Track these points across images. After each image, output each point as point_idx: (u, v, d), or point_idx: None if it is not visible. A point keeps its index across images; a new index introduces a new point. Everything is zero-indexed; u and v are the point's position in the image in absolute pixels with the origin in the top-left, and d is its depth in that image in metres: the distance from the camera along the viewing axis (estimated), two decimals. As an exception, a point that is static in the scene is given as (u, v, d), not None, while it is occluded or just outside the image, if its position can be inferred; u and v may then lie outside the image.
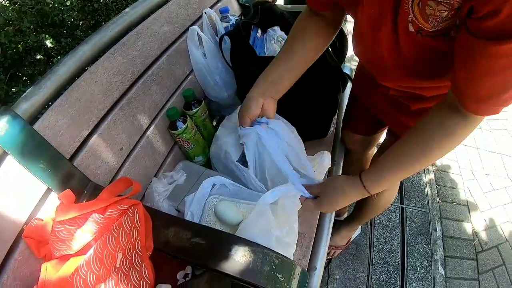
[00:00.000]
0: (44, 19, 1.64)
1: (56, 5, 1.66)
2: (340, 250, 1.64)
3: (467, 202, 2.11)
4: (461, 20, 0.54)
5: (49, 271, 0.56)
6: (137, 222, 0.57)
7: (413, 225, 1.88)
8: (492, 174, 2.36)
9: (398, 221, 1.87)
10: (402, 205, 1.95)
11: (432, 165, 2.27)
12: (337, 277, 1.59)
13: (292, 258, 0.75)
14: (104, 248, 0.55)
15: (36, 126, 0.66)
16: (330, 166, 0.94)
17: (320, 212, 1.00)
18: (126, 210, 0.58)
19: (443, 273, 1.74)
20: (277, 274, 0.57)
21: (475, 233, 1.96)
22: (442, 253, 1.82)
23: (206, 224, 0.74)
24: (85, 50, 0.77)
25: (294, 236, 0.72)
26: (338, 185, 0.77)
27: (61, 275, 0.54)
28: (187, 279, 0.66)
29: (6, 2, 2.90)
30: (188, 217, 0.75)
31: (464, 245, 1.89)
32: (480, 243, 1.93)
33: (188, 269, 0.66)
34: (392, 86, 0.87)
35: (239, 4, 1.37)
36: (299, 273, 0.64)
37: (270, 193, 0.64)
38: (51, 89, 0.70)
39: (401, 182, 2.06)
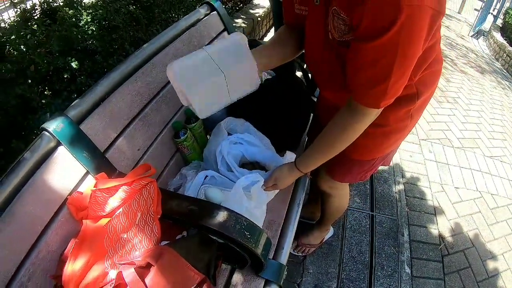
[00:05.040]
0: (69, 45, 1.94)
1: (80, 34, 1.97)
2: (314, 249, 1.87)
3: (434, 210, 2.33)
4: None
5: (88, 224, 0.84)
6: (152, 193, 0.84)
7: (382, 230, 2.11)
8: (462, 187, 2.58)
9: (368, 226, 2.11)
10: (372, 213, 2.19)
11: (402, 177, 2.53)
12: (311, 271, 1.83)
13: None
14: (129, 208, 0.82)
15: (81, 127, 0.94)
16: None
17: (289, 204, 1.27)
18: (146, 185, 0.86)
19: (409, 272, 1.95)
20: (245, 231, 0.84)
21: (442, 238, 2.17)
22: (409, 255, 2.03)
23: (199, 204, 1.02)
24: (115, 75, 1.08)
25: (262, 213, 1.00)
26: (283, 172, 1.11)
27: (98, 225, 0.81)
28: (183, 239, 0.93)
29: (35, 26, 3.22)
30: (185, 199, 1.02)
31: (431, 249, 2.10)
32: (446, 247, 2.13)
33: (184, 233, 0.93)
34: (326, 96, 1.13)
35: (233, 40, 1.67)
36: (264, 237, 0.90)
37: (244, 178, 0.93)
38: (92, 101, 0.99)
39: (372, 192, 2.32)
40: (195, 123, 1.32)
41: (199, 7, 1.58)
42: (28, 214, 0.83)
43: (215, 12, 1.61)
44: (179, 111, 1.32)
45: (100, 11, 2.00)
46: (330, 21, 0.85)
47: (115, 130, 1.04)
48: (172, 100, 1.27)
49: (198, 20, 1.51)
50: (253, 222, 0.85)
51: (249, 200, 0.93)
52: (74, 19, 2.11)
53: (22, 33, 3.14)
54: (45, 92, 1.88)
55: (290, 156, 1.19)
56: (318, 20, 0.90)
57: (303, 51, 1.12)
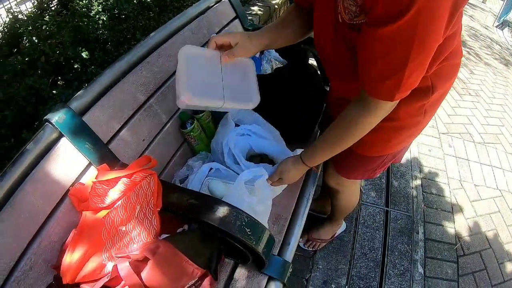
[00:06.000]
0: (80, 35, 1.94)
1: (91, 24, 1.97)
2: (325, 243, 1.83)
3: (452, 208, 2.25)
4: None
5: (87, 216, 0.83)
6: (152, 186, 0.82)
7: (396, 226, 2.05)
8: (481, 185, 2.49)
9: (382, 222, 2.05)
10: (387, 208, 2.13)
11: (419, 172, 2.45)
12: (320, 266, 1.79)
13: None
14: (128, 201, 0.81)
15: (84, 118, 0.93)
16: None
17: (297, 198, 1.23)
18: (146, 177, 0.84)
19: (422, 272, 1.89)
20: (246, 228, 0.81)
21: (458, 238, 2.09)
22: (423, 254, 1.97)
23: (202, 196, 0.99)
24: (120, 65, 1.05)
25: (266, 209, 0.96)
26: (287, 165, 1.06)
27: (96, 218, 0.80)
28: (184, 232, 0.91)
29: (47, 17, 3.27)
30: (189, 191, 1.00)
31: (446, 248, 2.02)
32: (462, 247, 2.05)
33: (185, 226, 0.91)
34: (335, 87, 1.08)
35: (244, 28, 1.62)
36: (267, 235, 0.87)
37: (247, 172, 0.90)
38: (95, 92, 0.98)
39: (387, 187, 2.26)
40: (202, 114, 1.29)
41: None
42: (30, 205, 0.83)
43: (226, -1, 1.57)
44: (186, 101, 1.29)
45: (111, 0, 1.99)
46: (340, 2, 0.78)
47: (119, 121, 1.02)
48: (179, 90, 1.25)
49: (208, 8, 1.47)
50: (254, 219, 0.82)
51: (251, 195, 0.90)
52: (85, 9, 2.12)
53: (37, 24, 3.19)
54: (58, 82, 1.90)
55: (300, 152, 1.15)
56: (327, 0, 0.83)
57: (310, 35, 1.06)
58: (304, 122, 1.35)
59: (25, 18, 3.25)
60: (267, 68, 1.39)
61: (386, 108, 0.82)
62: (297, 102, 1.28)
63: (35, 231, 0.84)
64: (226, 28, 1.51)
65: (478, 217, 2.27)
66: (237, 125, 1.23)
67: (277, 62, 1.52)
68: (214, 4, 1.50)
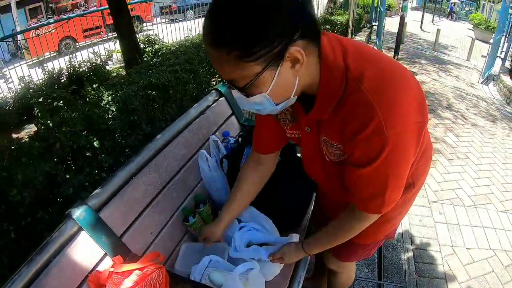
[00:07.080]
0: (91, 125, 2.15)
1: (101, 114, 2.18)
2: (321, 320, 1.87)
3: (445, 275, 2.26)
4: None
5: None
6: (160, 278, 0.97)
7: (390, 299, 2.09)
8: (474, 248, 2.50)
9: (375, 295, 2.09)
10: (380, 282, 2.17)
11: (411, 244, 2.52)
12: None
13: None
14: (141, 290, 0.94)
15: (100, 214, 1.09)
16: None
17: (289, 282, 1.33)
18: (155, 270, 0.98)
19: None
20: (240, 317, 0.93)
21: None
22: None
23: (203, 286, 1.11)
24: (131, 167, 1.24)
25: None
26: (291, 249, 1.19)
27: None
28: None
29: (60, 103, 3.51)
30: (192, 280, 1.13)
31: None
32: None
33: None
34: (326, 193, 1.24)
35: (239, 123, 1.85)
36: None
37: (241, 266, 1.06)
38: (110, 191, 1.16)
39: (380, 260, 2.32)
40: (203, 208, 1.43)
41: (207, 94, 1.77)
42: (54, 288, 0.95)
43: (223, 98, 1.80)
44: (189, 196, 1.46)
45: (120, 92, 2.24)
46: (324, 147, 0.94)
47: (131, 217, 1.18)
48: (182, 187, 1.43)
49: (208, 107, 1.70)
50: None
51: (245, 286, 1.03)
52: (96, 97, 2.34)
53: (49, 100, 3.42)
54: (69, 163, 2.06)
55: (296, 238, 1.28)
56: (312, 144, 0.97)
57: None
58: (293, 214, 1.49)
59: (36, 87, 3.43)
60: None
61: (375, 217, 0.98)
62: (287, 197, 1.43)
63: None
64: (223, 126, 1.72)
65: (471, 280, 2.26)
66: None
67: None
68: (213, 103, 1.73)
